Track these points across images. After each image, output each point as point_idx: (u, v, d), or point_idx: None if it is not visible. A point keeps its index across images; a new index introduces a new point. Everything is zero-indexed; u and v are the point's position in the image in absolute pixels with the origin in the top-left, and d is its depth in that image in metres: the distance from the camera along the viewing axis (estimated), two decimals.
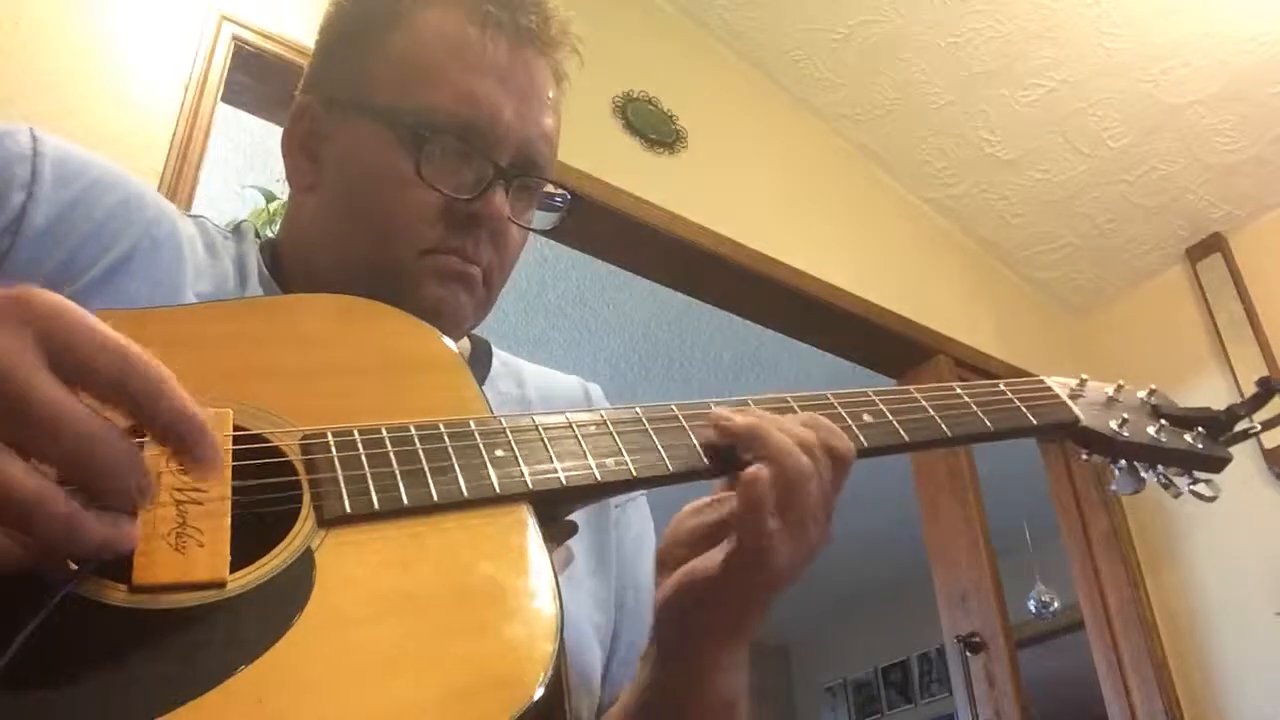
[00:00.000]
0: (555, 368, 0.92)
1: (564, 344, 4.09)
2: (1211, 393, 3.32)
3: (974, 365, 3.28)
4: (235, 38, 2.07)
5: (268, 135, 2.78)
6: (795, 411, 0.67)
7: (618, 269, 2.96)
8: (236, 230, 0.81)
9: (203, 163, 1.95)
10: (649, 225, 2.62)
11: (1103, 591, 3.33)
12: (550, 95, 0.80)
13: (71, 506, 0.42)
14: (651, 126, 2.81)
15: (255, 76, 2.15)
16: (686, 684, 0.65)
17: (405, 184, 0.74)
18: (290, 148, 0.81)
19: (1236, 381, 3.24)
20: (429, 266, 0.75)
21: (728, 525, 0.63)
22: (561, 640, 0.48)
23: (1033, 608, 4.12)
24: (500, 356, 0.88)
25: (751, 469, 0.60)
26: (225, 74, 2.04)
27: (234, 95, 2.16)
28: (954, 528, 3.04)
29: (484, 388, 0.82)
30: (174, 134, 1.91)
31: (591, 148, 2.51)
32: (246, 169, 3.07)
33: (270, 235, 0.85)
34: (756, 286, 2.89)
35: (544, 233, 0.84)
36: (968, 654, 2.92)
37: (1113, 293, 3.75)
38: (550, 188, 0.82)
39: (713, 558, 0.62)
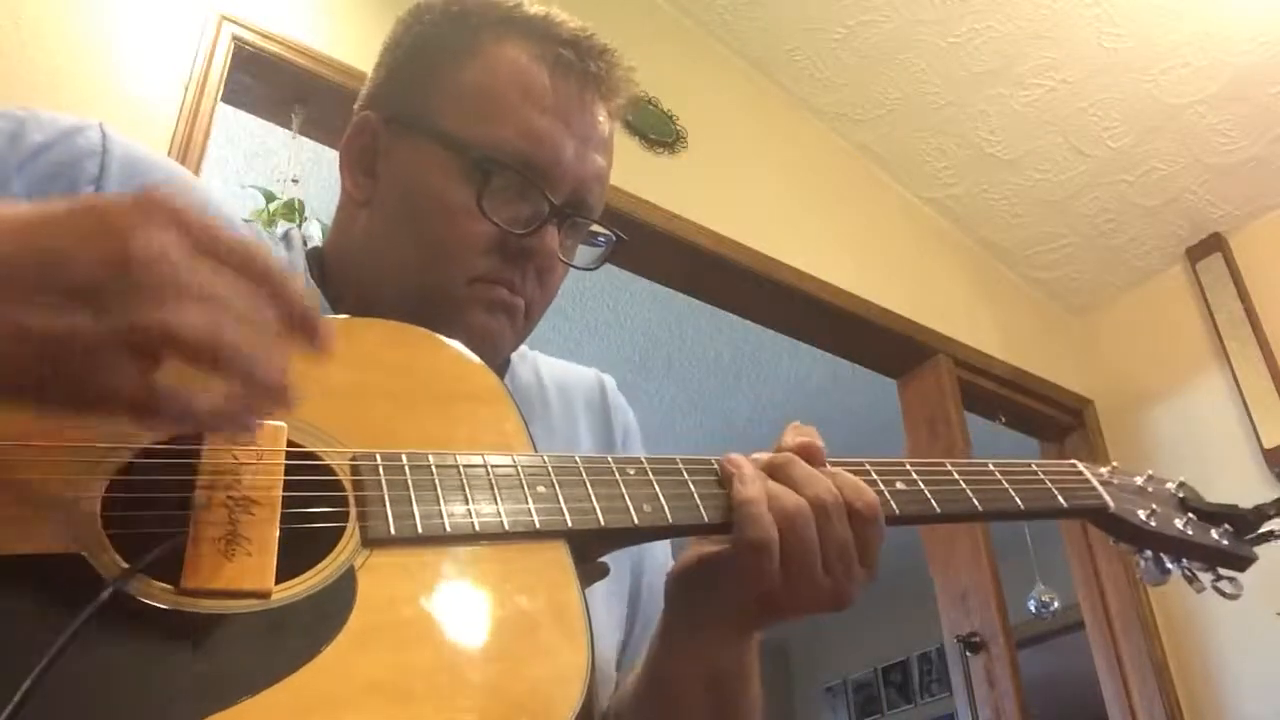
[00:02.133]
0: None
1: (564, 344, 4.08)
2: (1211, 393, 3.32)
3: (974, 365, 3.28)
4: (235, 38, 2.07)
5: (268, 135, 2.78)
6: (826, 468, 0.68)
7: (618, 269, 2.95)
8: (285, 238, 0.83)
9: (203, 163, 1.95)
10: (649, 225, 2.62)
11: (1103, 591, 3.33)
12: (607, 138, 0.82)
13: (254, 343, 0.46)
14: (651, 126, 2.81)
15: (255, 76, 2.15)
16: (679, 660, 0.69)
17: (463, 212, 0.75)
18: (348, 161, 0.82)
19: (1236, 381, 3.24)
20: (477, 295, 0.76)
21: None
22: (591, 680, 0.49)
23: (1033, 608, 4.11)
24: (519, 348, 0.89)
25: (750, 495, 0.63)
26: (225, 74, 2.04)
27: (234, 95, 2.16)
28: (954, 528, 3.03)
29: (504, 378, 0.84)
30: (174, 134, 1.91)
31: None
32: (246, 169, 3.06)
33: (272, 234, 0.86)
34: (756, 286, 2.89)
35: (583, 269, 0.86)
36: (968, 654, 2.92)
37: (1113, 292, 3.75)
38: (596, 227, 0.84)
39: (721, 551, 0.65)
